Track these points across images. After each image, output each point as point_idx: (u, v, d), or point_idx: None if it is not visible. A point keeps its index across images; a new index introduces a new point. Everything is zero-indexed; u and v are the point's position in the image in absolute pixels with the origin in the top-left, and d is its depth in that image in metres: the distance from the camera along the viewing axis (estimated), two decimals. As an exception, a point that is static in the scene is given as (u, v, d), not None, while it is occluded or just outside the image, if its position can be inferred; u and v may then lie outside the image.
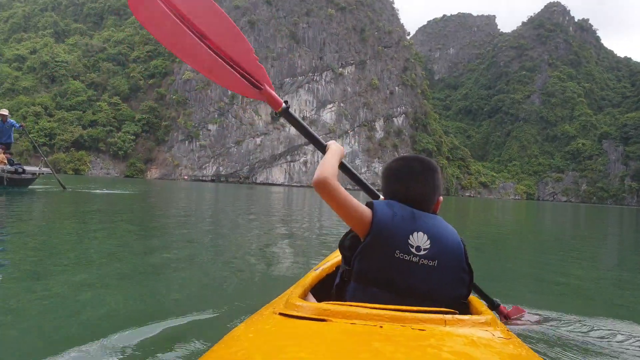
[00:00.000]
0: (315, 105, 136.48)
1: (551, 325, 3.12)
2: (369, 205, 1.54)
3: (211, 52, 1.74)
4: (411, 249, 1.44)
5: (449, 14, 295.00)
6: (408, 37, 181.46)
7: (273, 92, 1.81)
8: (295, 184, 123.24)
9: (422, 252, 1.44)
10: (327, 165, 1.59)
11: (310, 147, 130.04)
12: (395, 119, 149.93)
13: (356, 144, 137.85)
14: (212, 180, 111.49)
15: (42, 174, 17.16)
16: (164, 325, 2.69)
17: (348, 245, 1.57)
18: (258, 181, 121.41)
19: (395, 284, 1.44)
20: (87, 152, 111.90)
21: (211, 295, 3.80)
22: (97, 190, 20.70)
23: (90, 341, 2.39)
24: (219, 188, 49.05)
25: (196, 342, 2.46)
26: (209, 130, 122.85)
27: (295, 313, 1.22)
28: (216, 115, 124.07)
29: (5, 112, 14.95)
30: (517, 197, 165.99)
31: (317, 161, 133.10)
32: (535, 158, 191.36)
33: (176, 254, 5.64)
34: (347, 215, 1.51)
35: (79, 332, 2.63)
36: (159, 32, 1.77)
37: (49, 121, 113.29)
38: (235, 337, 1.22)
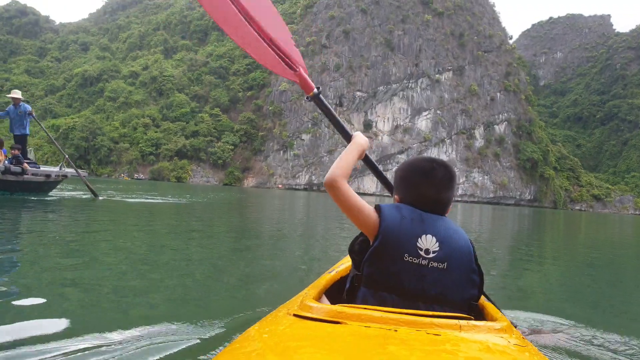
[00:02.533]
0: (409, 112, 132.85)
1: (574, 336, 3.11)
2: (376, 208, 1.53)
3: (254, 32, 1.85)
4: (420, 252, 1.44)
5: (556, 16, 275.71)
6: (510, 42, 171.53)
7: (307, 77, 1.89)
8: (387, 194, 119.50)
9: (431, 255, 1.44)
10: (339, 166, 1.58)
11: (403, 156, 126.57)
12: (496, 127, 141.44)
13: (453, 152, 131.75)
14: (305, 189, 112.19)
15: (65, 176, 13.43)
16: (180, 324, 2.75)
17: (357, 249, 1.56)
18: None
19: (405, 288, 1.44)
20: (189, 161, 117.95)
21: (233, 294, 3.88)
22: (157, 200, 17.81)
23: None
24: (310, 196, 48.69)
25: (211, 340, 2.50)
26: (303, 139, 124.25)
27: (309, 315, 1.22)
28: (309, 125, 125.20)
29: (17, 94, 11.90)
30: (637, 212, 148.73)
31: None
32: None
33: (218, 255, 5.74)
34: (355, 218, 1.52)
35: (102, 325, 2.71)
36: (212, 11, 1.84)
37: (156, 132, 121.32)
38: (250, 337, 1.22)
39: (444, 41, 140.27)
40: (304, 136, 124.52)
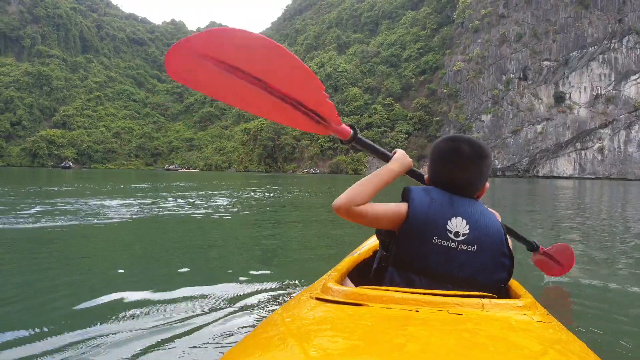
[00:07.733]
0: (613, 78, 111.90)
1: (597, 309, 3.10)
2: (405, 191, 1.53)
3: (273, 97, 1.64)
4: (449, 234, 1.43)
5: None
6: None
7: (337, 126, 1.73)
8: (588, 176, 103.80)
9: (460, 238, 1.44)
10: (350, 191, 1.51)
11: (607, 130, 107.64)
12: None
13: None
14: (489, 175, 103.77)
15: None
16: (205, 310, 2.86)
17: (384, 231, 1.54)
18: (540, 174, 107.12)
19: (433, 270, 1.44)
20: (364, 154, 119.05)
21: (263, 279, 3.91)
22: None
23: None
24: (495, 183, 44.10)
25: (236, 327, 2.57)
26: (482, 121, 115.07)
27: (331, 297, 1.23)
28: (489, 105, 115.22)
29: None
30: None
31: (617, 147, 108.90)
32: None
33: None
34: (379, 225, 1.52)
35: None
36: (212, 90, 1.63)
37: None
38: (273, 321, 1.23)
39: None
40: (483, 117, 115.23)
